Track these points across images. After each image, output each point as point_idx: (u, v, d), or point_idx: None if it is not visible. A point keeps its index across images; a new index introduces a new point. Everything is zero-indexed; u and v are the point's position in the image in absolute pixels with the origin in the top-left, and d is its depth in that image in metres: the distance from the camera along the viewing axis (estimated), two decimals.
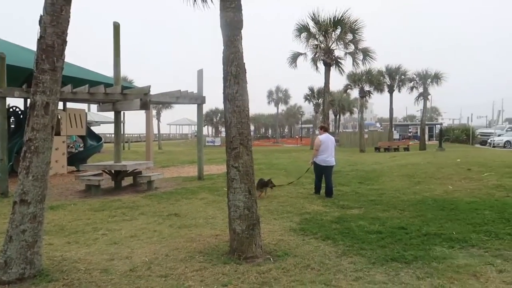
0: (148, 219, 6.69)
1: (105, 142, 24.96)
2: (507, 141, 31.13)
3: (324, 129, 9.42)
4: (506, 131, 37.58)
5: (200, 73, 12.16)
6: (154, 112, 38.19)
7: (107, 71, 11.44)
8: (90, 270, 4.14)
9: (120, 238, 5.45)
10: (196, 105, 12.27)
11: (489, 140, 34.06)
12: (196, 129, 69.17)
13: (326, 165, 8.64)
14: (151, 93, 10.43)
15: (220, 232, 5.65)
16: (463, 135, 39.57)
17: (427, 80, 29.84)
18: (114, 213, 7.20)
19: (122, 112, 18.25)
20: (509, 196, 7.77)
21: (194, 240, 5.26)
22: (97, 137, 18.01)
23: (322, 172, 8.76)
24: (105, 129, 42.39)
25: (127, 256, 4.64)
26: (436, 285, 3.61)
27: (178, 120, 68.91)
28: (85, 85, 10.15)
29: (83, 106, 18.67)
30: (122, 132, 27.75)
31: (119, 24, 10.62)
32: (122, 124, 30.05)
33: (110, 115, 13.67)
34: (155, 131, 40.52)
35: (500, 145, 31.06)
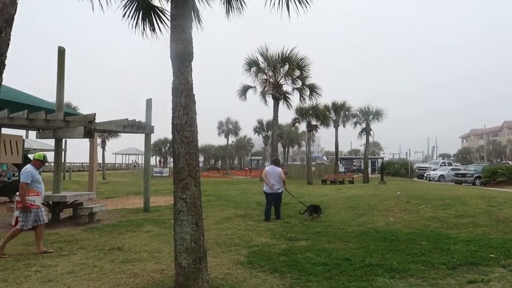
0: (88, 254, 6.30)
1: (44, 171, 23.47)
2: (441, 175, 33.37)
3: (273, 161, 10.98)
4: (440, 165, 40.39)
5: (149, 102, 12.02)
6: (99, 140, 36.80)
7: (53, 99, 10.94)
8: None
9: (56, 275, 5.07)
10: (144, 134, 12.03)
11: (425, 174, 36.33)
12: (135, 159, 67.30)
13: (269, 192, 10.02)
14: (97, 120, 10.09)
15: (166, 266, 5.45)
16: (402, 169, 41.89)
17: (369, 116, 31.51)
18: (50, 247, 6.70)
19: (63, 140, 17.39)
20: (443, 227, 8.27)
21: (138, 276, 5.02)
22: None
23: (269, 199, 9.99)
24: None
25: None
26: None
27: (124, 149, 66.64)
28: (24, 111, 9.61)
29: (21, 132, 17.55)
30: (63, 161, 26.25)
31: (64, 49, 10.32)
32: (63, 152, 28.56)
33: (51, 142, 13.00)
34: (100, 160, 38.86)
35: (435, 179, 33.19)
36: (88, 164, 20.90)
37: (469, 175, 28.04)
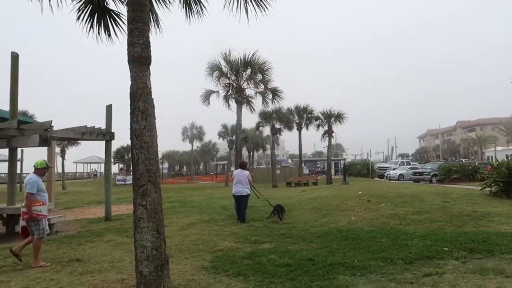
0: (45, 267, 6.04)
1: None
2: (401, 174, 34.60)
3: (239, 164, 11.44)
4: (399, 165, 41.91)
5: (109, 108, 11.72)
6: (57, 149, 35.36)
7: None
8: None
9: None
10: (104, 141, 11.71)
11: (386, 174, 37.57)
12: (97, 168, 65.15)
13: (235, 194, 10.47)
14: (54, 128, 9.72)
15: (127, 275, 5.32)
16: (364, 169, 43.16)
17: (331, 119, 32.26)
18: (3, 262, 6.37)
19: (19, 149, 16.58)
20: (401, 224, 8.59)
21: (97, 287, 4.87)
22: None
23: (236, 201, 10.49)
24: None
25: None
26: None
27: (85, 158, 64.33)
28: None
29: None
30: (19, 171, 25.02)
31: (18, 55, 9.89)
32: (19, 162, 27.15)
33: (5, 152, 12.39)
34: (59, 170, 37.34)
35: (395, 178, 34.38)
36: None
37: (426, 173, 29.24)
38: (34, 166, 6.59)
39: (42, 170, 6.61)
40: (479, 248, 6.06)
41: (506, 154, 31.50)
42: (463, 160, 50.96)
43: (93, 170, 67.85)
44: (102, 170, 64.98)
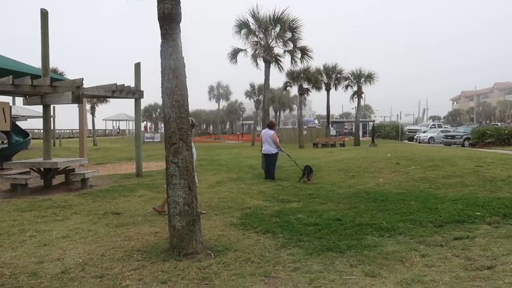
0: (82, 218, 6.36)
1: (33, 138, 23.18)
2: (431, 137, 33.75)
3: (267, 125, 11.45)
4: (430, 128, 40.78)
5: (137, 66, 11.77)
6: (88, 106, 36.25)
7: (37, 63, 10.64)
8: (17, 275, 3.86)
9: (51, 239, 5.12)
10: (133, 99, 11.86)
11: (415, 136, 36.74)
12: (126, 125, 66.81)
13: (263, 152, 10.93)
14: (85, 86, 9.89)
15: (160, 229, 5.54)
16: (393, 132, 42.37)
17: (360, 79, 31.31)
18: (43, 213, 6.74)
19: (52, 106, 17.08)
20: (431, 188, 8.44)
21: (132, 239, 5.10)
22: (24, 133, 16.73)
23: (264, 159, 11.10)
24: (34, 124, 39.61)
25: (58, 257, 4.38)
26: (367, 272, 3.83)
27: (114, 115, 65.87)
28: (8, 76, 9.36)
29: (7, 99, 17.22)
30: (52, 127, 25.92)
31: (47, 11, 9.92)
32: (52, 118, 28.06)
33: (39, 109, 12.77)
34: (90, 127, 38.47)
35: (425, 141, 33.59)
36: (78, 130, 20.69)
37: (458, 136, 28.37)
38: None
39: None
40: None
41: None
42: (499, 123, 49.02)
43: (117, 128, 69.68)
44: (130, 127, 66.83)
